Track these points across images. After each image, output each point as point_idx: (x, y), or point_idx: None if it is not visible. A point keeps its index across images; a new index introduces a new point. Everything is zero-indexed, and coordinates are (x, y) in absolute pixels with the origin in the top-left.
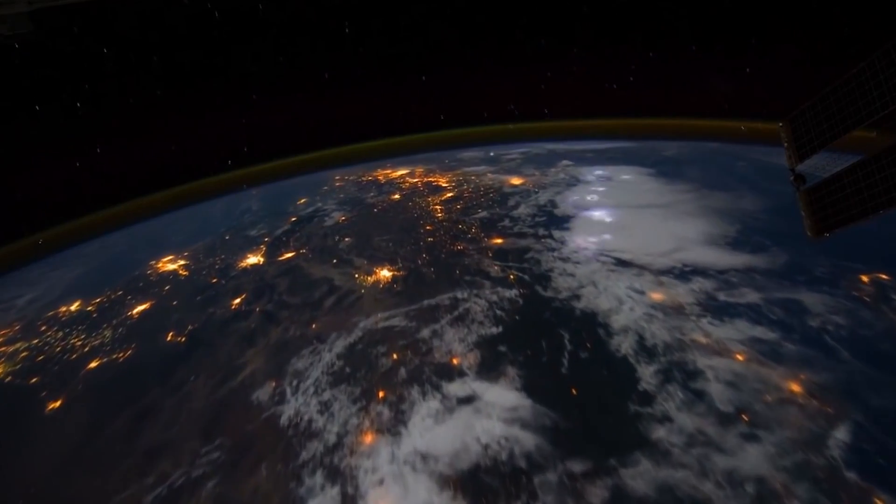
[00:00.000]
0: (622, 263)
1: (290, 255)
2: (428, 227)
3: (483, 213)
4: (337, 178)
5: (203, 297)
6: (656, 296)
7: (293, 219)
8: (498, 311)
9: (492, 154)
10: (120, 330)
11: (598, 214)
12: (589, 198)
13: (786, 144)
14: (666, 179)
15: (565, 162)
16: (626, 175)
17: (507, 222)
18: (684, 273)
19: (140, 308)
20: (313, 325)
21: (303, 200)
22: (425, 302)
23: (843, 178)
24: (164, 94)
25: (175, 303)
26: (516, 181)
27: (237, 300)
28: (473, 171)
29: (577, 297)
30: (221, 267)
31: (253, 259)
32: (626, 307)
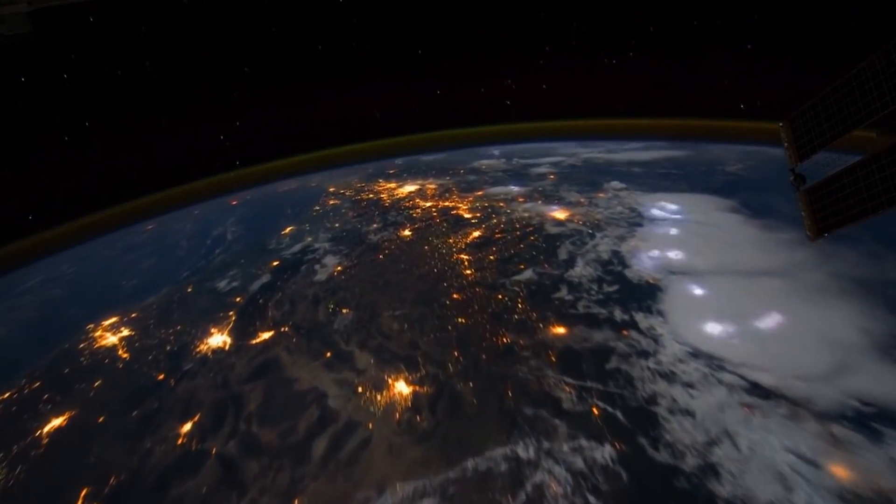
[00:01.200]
0: (761, 392)
1: (266, 335)
2: (455, 296)
3: (528, 273)
4: (331, 189)
5: (140, 411)
6: (840, 472)
7: (275, 263)
8: (591, 498)
9: (515, 162)
10: (19, 469)
11: (691, 286)
12: (671, 254)
13: (786, 144)
14: (760, 220)
15: (615, 183)
16: (701, 210)
17: (564, 292)
18: (865, 419)
19: (55, 423)
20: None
21: (289, 230)
22: (469, 463)
23: (842, 178)
24: (155, 94)
25: (102, 418)
26: (560, 215)
27: (187, 426)
28: (500, 194)
29: (713, 470)
30: (173, 349)
31: (217, 338)
32: (799, 499)
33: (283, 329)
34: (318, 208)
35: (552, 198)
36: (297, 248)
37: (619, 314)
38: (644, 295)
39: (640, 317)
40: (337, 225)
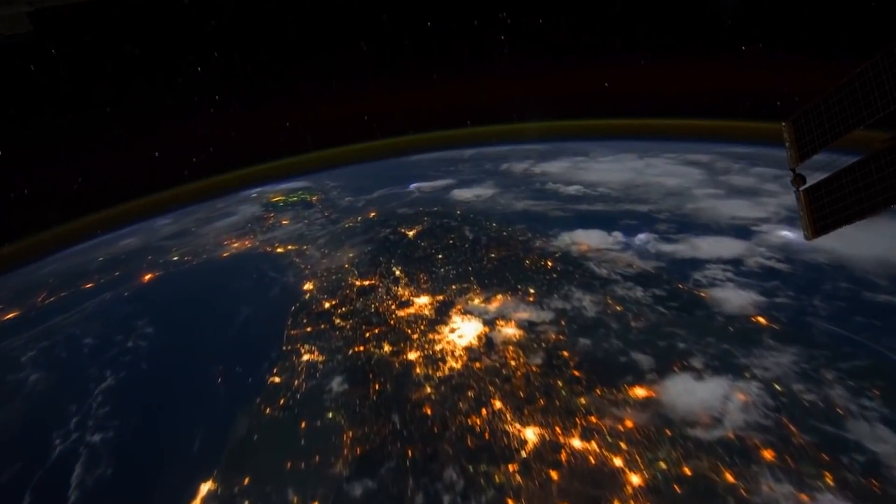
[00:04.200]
0: None
1: None
2: None
3: None
4: (307, 289)
5: None
6: None
7: None
8: None
9: (647, 247)
10: None
11: None
12: None
13: (787, 144)
14: None
15: None
16: None
17: None
18: None
19: None
20: None
21: (206, 490)
22: None
23: (841, 177)
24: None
25: None
26: None
27: None
28: (714, 438)
29: None
30: None
31: None
32: None
33: None
34: (275, 379)
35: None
36: None
37: None
38: None
39: None
40: None
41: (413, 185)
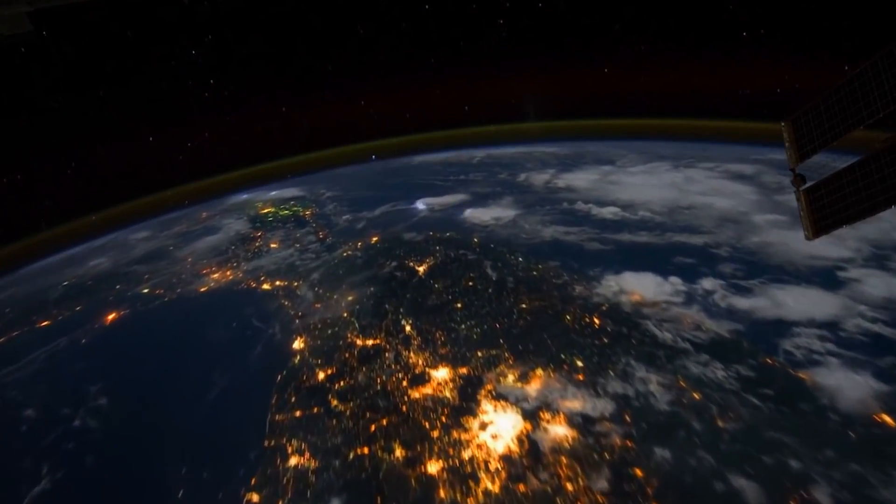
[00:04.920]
0: None
1: None
2: None
3: None
4: (297, 342)
5: None
6: None
7: None
8: None
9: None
10: None
11: None
12: None
13: (787, 144)
14: None
15: None
16: None
17: None
18: None
19: None
20: None
21: None
22: None
23: (842, 177)
24: None
25: None
26: None
27: None
28: None
29: None
30: None
31: None
32: None
33: None
34: (253, 496)
35: None
36: None
37: None
38: None
39: None
40: None
41: (420, 202)
